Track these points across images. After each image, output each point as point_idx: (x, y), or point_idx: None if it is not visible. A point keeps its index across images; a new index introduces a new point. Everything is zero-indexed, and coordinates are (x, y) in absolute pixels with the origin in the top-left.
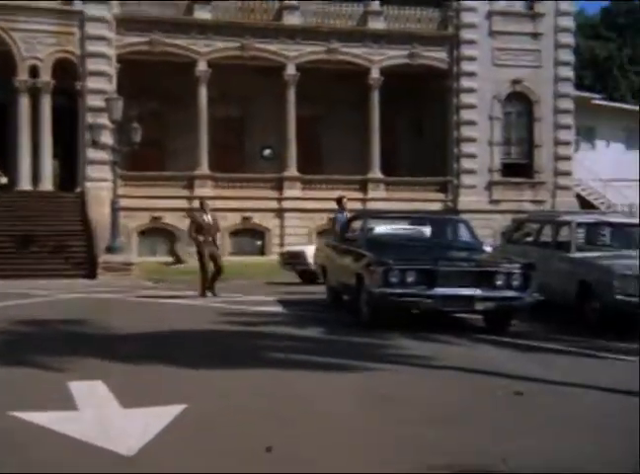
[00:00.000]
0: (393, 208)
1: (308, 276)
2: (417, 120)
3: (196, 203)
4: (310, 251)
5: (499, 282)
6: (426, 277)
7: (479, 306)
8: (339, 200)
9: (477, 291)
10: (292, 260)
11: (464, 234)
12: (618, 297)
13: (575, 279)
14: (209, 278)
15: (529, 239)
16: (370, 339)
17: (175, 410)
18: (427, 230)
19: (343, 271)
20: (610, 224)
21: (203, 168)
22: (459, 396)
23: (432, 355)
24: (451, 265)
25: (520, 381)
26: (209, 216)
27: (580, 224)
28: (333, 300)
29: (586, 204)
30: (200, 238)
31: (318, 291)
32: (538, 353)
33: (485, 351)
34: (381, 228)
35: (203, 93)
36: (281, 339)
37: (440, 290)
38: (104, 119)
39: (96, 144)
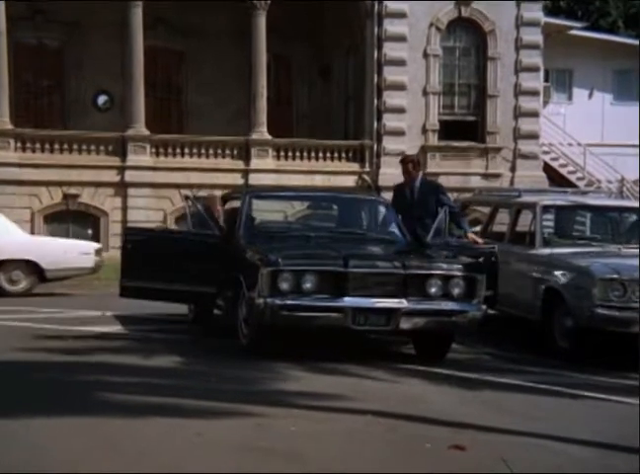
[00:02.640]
0: (286, 184)
1: None
2: (321, 59)
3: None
4: None
5: (433, 290)
6: (331, 283)
7: (405, 324)
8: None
9: (403, 303)
10: None
11: (386, 221)
12: (599, 311)
13: (540, 286)
14: None
15: (477, 229)
16: (252, 371)
17: None
18: (333, 216)
19: None
20: (591, 208)
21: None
22: (374, 450)
23: (339, 394)
24: (367, 265)
25: (460, 430)
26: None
27: (548, 208)
28: (198, 315)
29: (558, 180)
30: None
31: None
32: (487, 390)
33: (413, 387)
34: (268, 212)
35: None
36: (121, 372)
37: (350, 301)
38: None
39: None
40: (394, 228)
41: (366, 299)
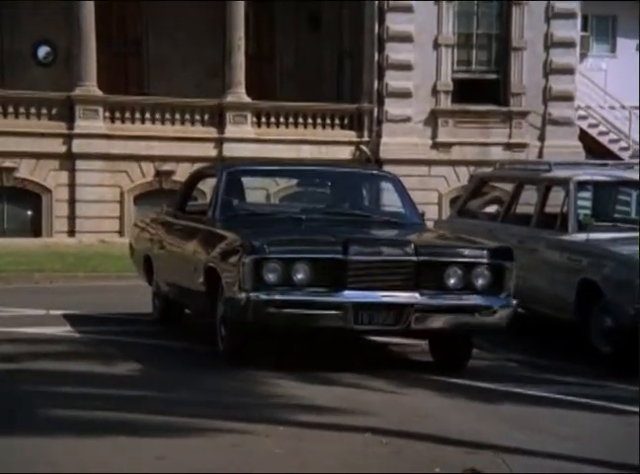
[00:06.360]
0: (268, 156)
1: None
2: (310, 7)
3: None
4: None
5: (452, 281)
6: (328, 274)
7: (418, 323)
8: None
9: (415, 297)
10: None
11: (392, 200)
12: None
13: (574, 278)
14: None
15: (497, 210)
16: (230, 380)
17: None
18: (327, 195)
19: (182, 264)
20: (636, 185)
21: None
22: None
23: (334, 408)
24: (371, 251)
25: (476, 451)
26: None
27: (584, 184)
28: (164, 315)
29: (597, 150)
30: None
31: (140, 300)
32: (509, 403)
33: (421, 400)
34: (250, 190)
35: None
36: (69, 382)
37: (351, 296)
38: None
39: None
40: (404, 208)
41: (371, 293)
